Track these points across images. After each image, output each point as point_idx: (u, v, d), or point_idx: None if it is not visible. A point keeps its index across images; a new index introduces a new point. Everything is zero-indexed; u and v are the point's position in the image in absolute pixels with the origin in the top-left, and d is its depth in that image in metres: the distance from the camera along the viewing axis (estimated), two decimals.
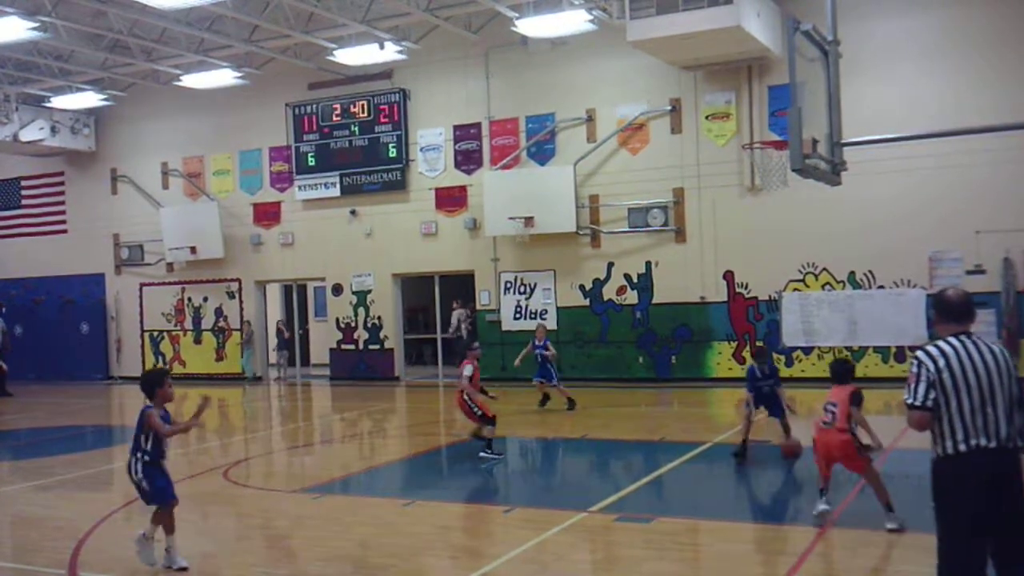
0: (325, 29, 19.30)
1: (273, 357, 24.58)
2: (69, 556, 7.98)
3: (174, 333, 24.77)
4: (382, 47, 19.47)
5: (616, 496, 9.65)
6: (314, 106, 22.76)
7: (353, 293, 22.65)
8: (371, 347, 22.43)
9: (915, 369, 4.75)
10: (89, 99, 23.44)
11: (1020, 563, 4.67)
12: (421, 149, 21.81)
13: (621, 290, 20.02)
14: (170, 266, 24.58)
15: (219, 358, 24.03)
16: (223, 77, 21.52)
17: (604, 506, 9.08)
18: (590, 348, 20.02)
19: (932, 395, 4.66)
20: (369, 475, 11.99)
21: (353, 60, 20.32)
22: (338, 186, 22.51)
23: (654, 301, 19.71)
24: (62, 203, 26.33)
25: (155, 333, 25.02)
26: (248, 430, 16.74)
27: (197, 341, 24.45)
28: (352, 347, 22.69)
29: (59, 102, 23.50)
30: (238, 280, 23.93)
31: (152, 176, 24.86)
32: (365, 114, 22.22)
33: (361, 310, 22.59)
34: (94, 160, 25.54)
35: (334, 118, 22.56)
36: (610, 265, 20.08)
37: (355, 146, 22.37)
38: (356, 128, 22.33)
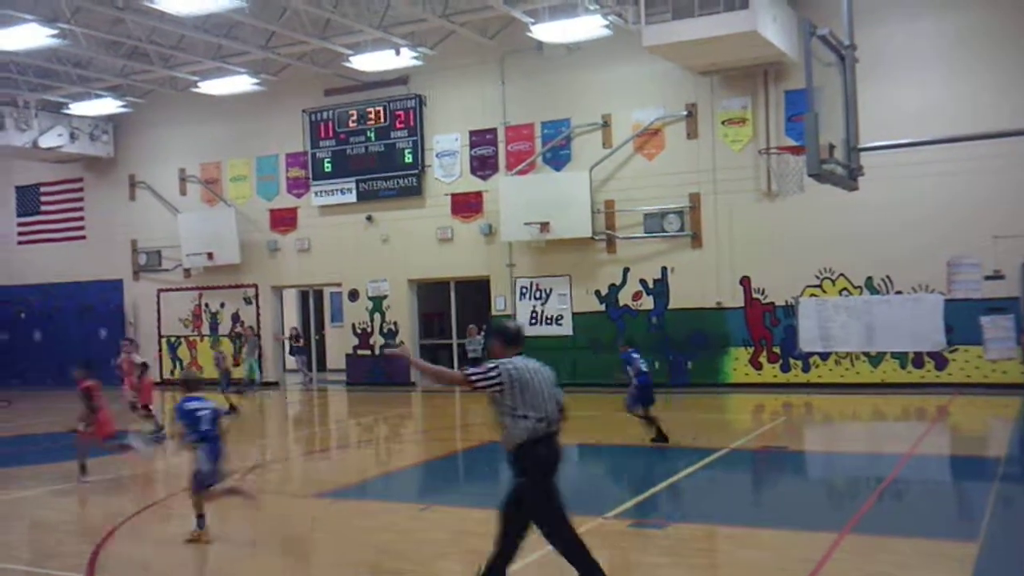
0: (341, 35, 19.39)
1: (290, 363, 24.64)
2: (87, 560, 8.02)
3: (191, 338, 24.88)
4: (398, 53, 19.54)
5: (631, 502, 9.63)
6: (330, 112, 22.86)
7: (369, 299, 22.71)
8: (387, 352, 22.46)
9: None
10: (108, 105, 23.63)
11: None
12: (437, 155, 21.86)
13: (637, 295, 19.99)
14: (187, 272, 24.71)
15: (236, 363, 24.08)
16: (240, 83, 21.65)
17: (619, 512, 9.06)
18: (605, 354, 19.99)
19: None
20: (385, 480, 12.01)
21: (369, 66, 20.39)
22: (354, 192, 22.59)
23: (670, 306, 19.67)
24: (81, 209, 26.53)
25: (172, 338, 25.14)
26: (264, 435, 16.79)
27: (214, 347, 24.50)
28: (368, 352, 22.74)
29: (78, 108, 23.68)
30: (255, 286, 24.03)
31: (170, 182, 25.01)
32: (381, 120, 22.29)
33: (377, 315, 22.65)
34: (113, 166, 25.72)
35: (350, 124, 22.64)
36: (626, 270, 20.06)
37: (371, 152, 22.44)
38: (372, 134, 22.41)
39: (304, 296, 25.99)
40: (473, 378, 6.15)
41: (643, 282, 19.89)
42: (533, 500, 6.13)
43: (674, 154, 19.55)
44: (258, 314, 24.05)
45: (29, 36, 17.29)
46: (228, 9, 16.57)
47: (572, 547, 6.24)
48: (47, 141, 23.50)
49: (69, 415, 19.73)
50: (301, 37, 19.11)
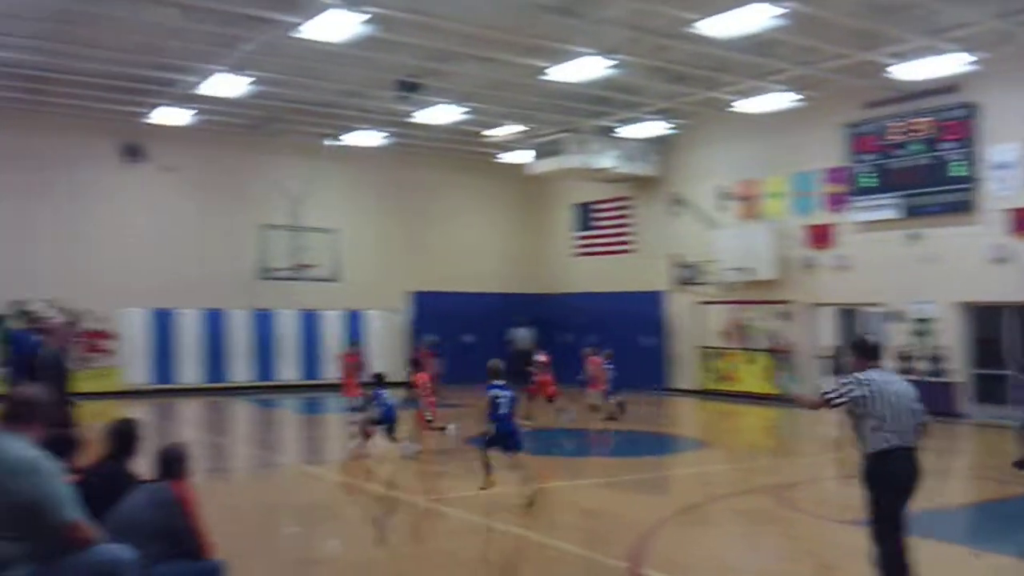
0: (885, 45, 18.52)
1: (827, 382, 24.06)
2: (634, 551, 8.57)
3: (727, 352, 25.46)
4: (947, 60, 18.15)
5: None
6: (871, 125, 21.96)
7: (913, 321, 21.35)
8: (929, 379, 20.91)
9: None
10: (655, 128, 25.13)
11: None
12: (992, 167, 19.90)
13: None
14: (724, 286, 25.32)
15: (776, 378, 24.13)
16: (778, 101, 21.70)
17: None
18: None
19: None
20: (931, 515, 11.17)
21: (914, 75, 19.20)
22: (897, 207, 21.41)
23: None
24: (628, 225, 28.53)
25: (709, 350, 25.94)
26: (799, 454, 16.62)
27: (749, 360, 24.88)
28: (914, 378, 21.33)
29: (628, 132, 25.52)
30: (791, 302, 23.89)
31: (708, 199, 25.87)
32: (927, 131, 20.88)
33: (922, 339, 21.19)
34: (657, 185, 27.28)
35: (893, 136, 21.53)
36: None
37: (916, 165, 21.12)
38: (917, 147, 21.08)
39: (842, 315, 25.24)
40: (828, 397, 6.65)
41: None
42: (875, 507, 6.57)
43: None
44: (793, 331, 23.86)
45: (590, 68, 18.99)
46: (769, 29, 16.70)
47: (903, 557, 6.50)
48: (600, 163, 25.62)
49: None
50: (842, 50, 18.61)
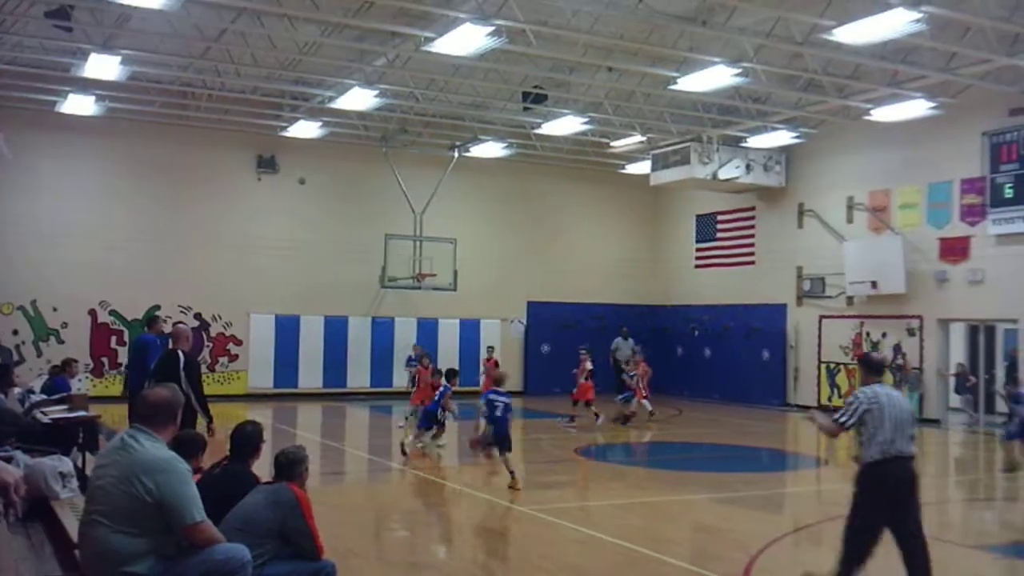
0: None
1: (955, 401, 23.14)
2: (742, 569, 8.45)
3: (851, 367, 24.73)
4: None
5: None
6: (1015, 133, 20.99)
7: None
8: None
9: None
10: (781, 137, 24.64)
11: None
12: None
13: None
14: (850, 299, 24.61)
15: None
16: (915, 108, 20.96)
17: None
18: None
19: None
20: None
21: None
22: None
23: None
24: (752, 236, 28.02)
25: (832, 365, 25.25)
26: (922, 474, 16.01)
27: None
28: None
29: (754, 141, 25.10)
30: (919, 317, 23.04)
31: (837, 210, 25.19)
32: None
33: None
34: (783, 195, 26.72)
35: None
36: None
37: None
38: None
39: (974, 331, 24.22)
40: (841, 421, 7.18)
41: None
42: (858, 513, 7.10)
43: None
44: (921, 347, 22.99)
45: (716, 77, 18.80)
46: (907, 34, 16.20)
47: (863, 557, 7.04)
48: (725, 173, 25.27)
49: (733, 428, 20.97)
50: (985, 55, 17.88)
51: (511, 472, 12.22)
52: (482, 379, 21.62)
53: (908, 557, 7.07)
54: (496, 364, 21.88)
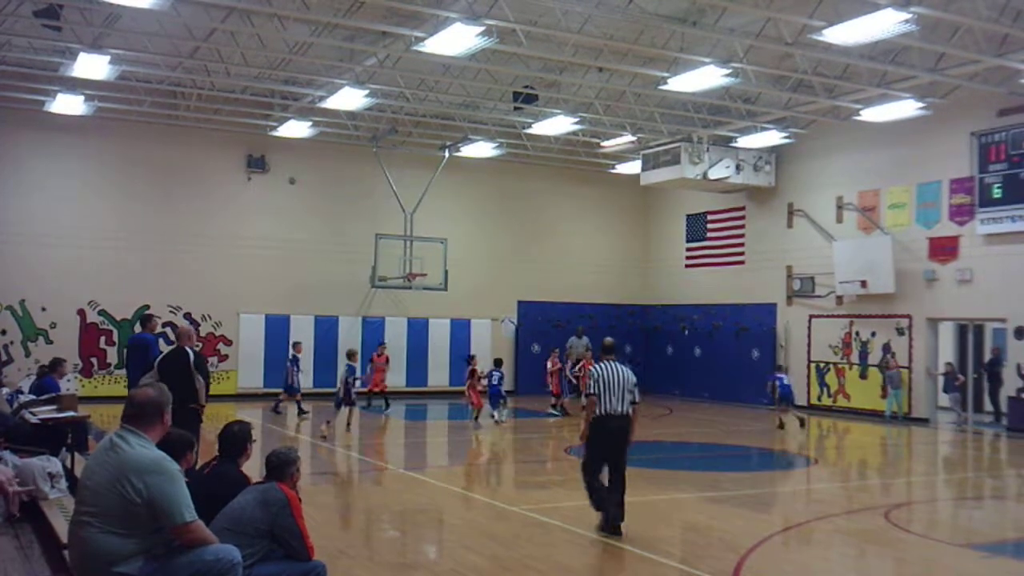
0: (1020, 51, 17.78)
1: (943, 400, 23.23)
2: (732, 568, 8.47)
3: (840, 366, 24.82)
4: None
5: None
6: (1003, 134, 21.09)
7: None
8: None
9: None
10: (771, 138, 24.71)
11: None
12: None
13: None
14: (839, 299, 24.70)
15: (884, 395, 23.46)
16: (904, 109, 21.04)
17: None
18: None
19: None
20: None
21: None
22: None
23: None
24: (742, 236, 28.09)
25: (821, 364, 25.34)
26: (911, 473, 16.10)
27: (863, 376, 24.19)
28: None
29: (744, 141, 25.16)
30: (908, 317, 23.14)
31: (826, 210, 25.27)
32: None
33: None
34: (773, 195, 26.79)
35: None
36: None
37: None
38: None
39: (962, 330, 24.32)
40: (588, 393, 10.02)
41: None
42: (586, 452, 10.04)
43: None
44: (910, 346, 23.09)
45: (706, 77, 18.83)
46: (897, 34, 16.26)
47: (598, 489, 9.82)
48: (716, 173, 25.31)
49: (723, 427, 21.05)
50: (974, 56, 17.95)
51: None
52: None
53: (611, 485, 9.77)
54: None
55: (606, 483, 9.77)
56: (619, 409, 9.66)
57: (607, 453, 9.76)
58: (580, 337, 25.87)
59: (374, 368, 23.43)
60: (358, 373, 19.85)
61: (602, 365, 9.83)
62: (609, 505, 9.63)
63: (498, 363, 21.25)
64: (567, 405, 23.32)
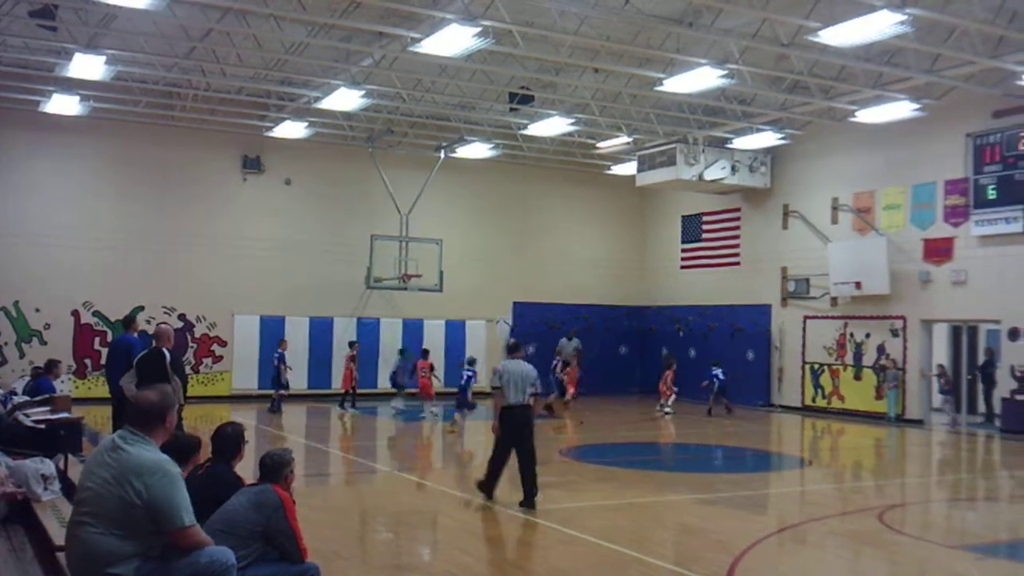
0: (1015, 52, 17.81)
1: (937, 401, 23.26)
2: (726, 570, 8.48)
3: (834, 367, 24.85)
4: None
5: None
6: (998, 135, 21.12)
7: None
8: None
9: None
10: (767, 139, 24.72)
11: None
12: None
13: None
14: (834, 300, 24.72)
15: (878, 396, 23.48)
16: (900, 110, 21.07)
17: None
18: None
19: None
20: None
21: None
22: (1021, 221, 20.53)
23: None
24: (737, 237, 28.11)
25: (815, 365, 25.36)
26: (905, 474, 16.13)
27: (857, 377, 24.22)
28: None
29: (739, 143, 25.17)
30: (903, 318, 23.17)
31: (822, 211, 25.30)
32: None
33: None
34: (768, 196, 26.81)
35: (1021, 147, 20.65)
36: None
37: None
38: None
39: (956, 332, 24.35)
40: (496, 386, 11.47)
41: None
42: (496, 438, 11.46)
43: None
44: (905, 347, 23.12)
45: (702, 79, 18.84)
46: (892, 36, 16.28)
47: (496, 473, 11.40)
48: (711, 174, 25.31)
49: (717, 428, 21.03)
50: (969, 57, 17.97)
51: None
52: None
53: (522, 466, 11.21)
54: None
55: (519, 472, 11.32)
56: (520, 400, 11.27)
57: (514, 436, 11.28)
58: (571, 340, 25.91)
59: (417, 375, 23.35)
60: (476, 379, 20.39)
61: (506, 363, 11.47)
62: (523, 483, 11.20)
63: (471, 362, 20.70)
64: (554, 405, 23.22)
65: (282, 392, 22.40)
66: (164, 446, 5.45)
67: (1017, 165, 20.73)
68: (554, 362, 24.67)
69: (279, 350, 22.88)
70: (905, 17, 14.87)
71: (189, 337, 25.06)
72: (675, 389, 24.70)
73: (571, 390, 24.12)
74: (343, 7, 16.53)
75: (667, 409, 24.13)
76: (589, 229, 30.88)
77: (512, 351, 11.87)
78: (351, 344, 24.29)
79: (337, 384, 25.22)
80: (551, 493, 12.26)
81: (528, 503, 11.07)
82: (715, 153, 25.37)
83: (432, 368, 23.01)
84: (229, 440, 6.71)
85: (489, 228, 29.24)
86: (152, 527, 5.10)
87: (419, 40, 16.50)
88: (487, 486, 11.47)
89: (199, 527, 5.27)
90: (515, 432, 11.28)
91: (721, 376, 24.15)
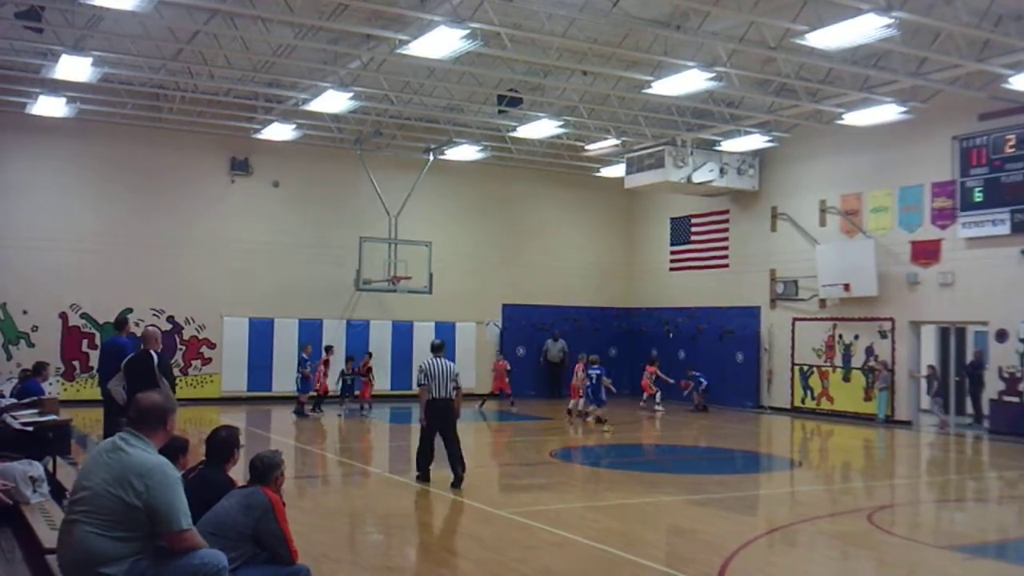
0: (1000, 55, 17.92)
1: (925, 403, 23.37)
2: (716, 571, 8.49)
3: (823, 369, 24.93)
4: None
5: None
6: (984, 138, 21.25)
7: (1021, 340, 20.57)
8: None
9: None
10: (755, 141, 24.80)
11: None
12: None
13: None
14: (823, 302, 24.82)
15: (867, 398, 23.58)
16: (886, 113, 21.18)
17: None
18: None
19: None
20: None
21: None
22: (1008, 223, 20.67)
23: None
24: (725, 239, 28.18)
25: (805, 367, 25.44)
26: (894, 475, 16.18)
27: (846, 379, 24.31)
28: (1016, 400, 20.61)
29: (728, 145, 25.24)
30: (891, 319, 23.26)
31: (810, 213, 25.39)
32: None
33: None
34: (756, 199, 26.89)
35: (1007, 150, 20.79)
36: None
37: None
38: None
39: (944, 333, 24.48)
40: (421, 383, 12.70)
41: None
42: (422, 428, 12.78)
43: None
44: (893, 349, 23.22)
45: (690, 81, 18.90)
46: (879, 39, 16.35)
47: (428, 454, 12.83)
48: (700, 176, 25.38)
49: (707, 430, 21.08)
50: (955, 60, 18.08)
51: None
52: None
53: (449, 451, 12.53)
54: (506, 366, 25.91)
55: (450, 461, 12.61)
56: (443, 394, 12.54)
57: (439, 426, 12.60)
58: (556, 341, 25.94)
59: (496, 374, 26.07)
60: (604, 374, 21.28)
61: (430, 360, 12.71)
62: (452, 466, 12.52)
63: (594, 362, 21.33)
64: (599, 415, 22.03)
65: (300, 396, 22.61)
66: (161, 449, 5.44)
67: (1004, 168, 20.86)
68: (594, 372, 21.31)
69: (302, 354, 23.01)
70: (891, 20, 14.95)
71: (178, 339, 24.97)
72: (657, 389, 25.03)
73: (576, 396, 22.85)
74: (331, 9, 16.51)
75: (659, 407, 24.48)
76: (578, 231, 30.91)
77: (435, 351, 13.02)
78: (327, 348, 24.29)
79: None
80: (541, 494, 12.27)
81: (457, 484, 12.41)
82: (703, 155, 25.43)
83: (371, 370, 24.53)
84: (223, 444, 6.69)
85: (478, 230, 29.24)
86: (148, 528, 5.09)
87: (407, 42, 16.51)
88: (422, 470, 12.91)
89: (195, 531, 5.27)
90: (440, 422, 12.58)
91: (701, 378, 25.85)
